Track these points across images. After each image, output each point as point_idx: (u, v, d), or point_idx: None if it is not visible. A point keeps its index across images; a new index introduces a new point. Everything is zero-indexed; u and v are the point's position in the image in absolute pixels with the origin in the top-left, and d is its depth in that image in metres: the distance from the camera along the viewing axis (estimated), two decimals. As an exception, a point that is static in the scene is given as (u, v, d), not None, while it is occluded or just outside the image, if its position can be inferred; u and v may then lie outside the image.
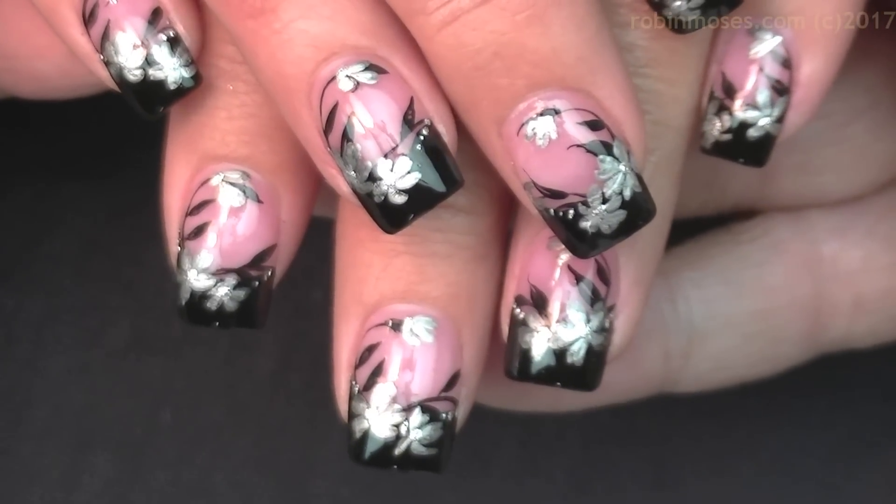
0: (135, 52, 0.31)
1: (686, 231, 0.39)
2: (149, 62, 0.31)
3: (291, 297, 0.41)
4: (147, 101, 0.32)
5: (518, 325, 0.32)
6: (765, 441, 0.42)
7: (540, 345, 0.32)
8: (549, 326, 0.32)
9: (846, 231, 0.38)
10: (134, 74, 0.32)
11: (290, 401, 0.42)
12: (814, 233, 0.38)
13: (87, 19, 0.32)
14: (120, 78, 0.32)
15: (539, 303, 0.32)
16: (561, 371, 0.32)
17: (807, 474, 0.42)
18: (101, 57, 0.32)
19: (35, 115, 0.39)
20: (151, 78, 0.31)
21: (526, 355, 0.32)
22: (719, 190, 0.39)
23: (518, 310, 0.32)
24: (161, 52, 0.31)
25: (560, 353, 0.32)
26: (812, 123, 0.36)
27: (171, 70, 0.31)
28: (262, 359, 0.42)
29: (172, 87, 0.31)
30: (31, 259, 0.43)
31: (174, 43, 0.32)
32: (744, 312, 0.38)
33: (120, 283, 0.42)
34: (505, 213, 0.33)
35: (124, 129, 0.42)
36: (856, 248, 0.38)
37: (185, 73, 0.32)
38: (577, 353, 0.32)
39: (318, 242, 0.34)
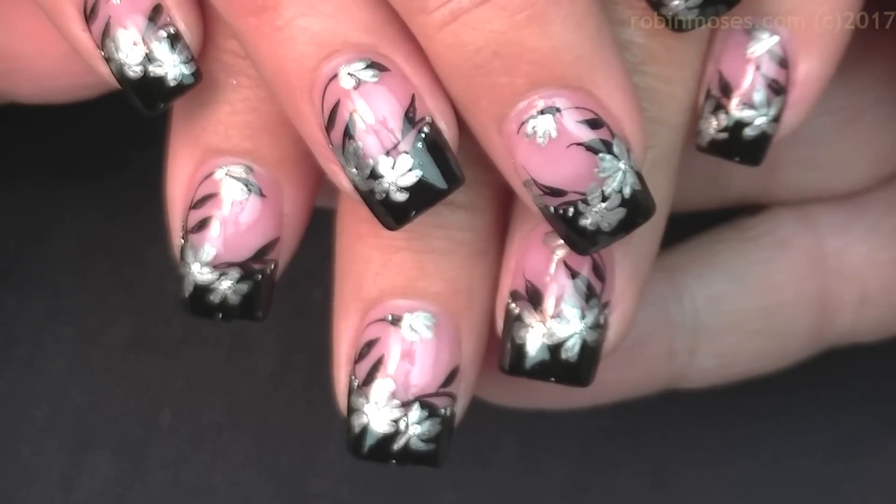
0: (135, 48, 0.32)
1: (692, 228, 0.39)
2: (149, 59, 0.32)
3: (292, 296, 0.41)
4: (147, 97, 0.32)
5: (513, 320, 0.32)
6: (765, 441, 0.42)
7: (534, 340, 0.32)
8: (543, 322, 0.32)
9: (850, 227, 0.39)
10: (134, 71, 0.32)
11: (290, 401, 0.42)
12: (818, 229, 0.39)
13: (89, 16, 0.32)
14: (120, 74, 0.32)
15: (534, 298, 0.32)
16: (555, 366, 0.32)
17: (807, 474, 0.42)
18: (102, 53, 0.32)
19: (34, 114, 0.39)
20: (152, 75, 0.32)
21: (520, 350, 0.32)
22: (723, 184, 0.39)
23: (513, 304, 0.32)
24: (161, 49, 0.32)
25: (554, 349, 0.32)
26: (816, 119, 0.36)
27: (171, 67, 0.32)
28: (262, 359, 0.42)
29: (172, 83, 0.32)
30: (31, 259, 0.43)
31: (174, 40, 0.32)
32: (750, 309, 0.38)
33: (120, 283, 0.42)
34: (504, 209, 0.33)
35: (124, 129, 0.42)
36: (860, 243, 0.39)
37: (186, 70, 0.32)
38: (571, 348, 0.32)
39: (318, 242, 0.34)
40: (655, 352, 0.38)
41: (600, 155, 0.30)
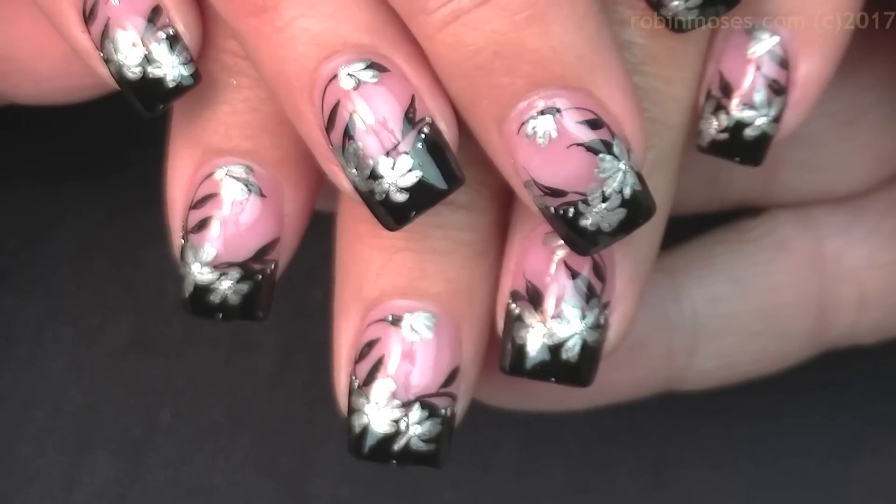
0: (134, 49, 0.32)
1: (691, 229, 0.39)
2: (148, 60, 0.32)
3: (291, 296, 0.41)
4: (146, 98, 0.32)
5: (513, 321, 0.32)
6: (765, 441, 0.42)
7: (535, 340, 0.32)
8: (544, 322, 0.32)
9: (850, 228, 0.39)
10: (133, 72, 0.32)
11: (290, 401, 0.42)
12: (818, 230, 0.39)
13: (88, 17, 0.32)
14: (119, 76, 0.32)
15: (534, 298, 0.32)
16: (555, 367, 0.32)
17: (807, 474, 0.42)
18: (101, 54, 0.32)
19: (34, 115, 0.39)
20: (150, 76, 0.32)
21: (520, 350, 0.32)
22: (723, 187, 0.39)
23: (513, 305, 0.32)
24: (160, 50, 0.32)
25: (555, 349, 0.32)
26: (816, 121, 0.36)
27: (170, 68, 0.32)
28: (262, 359, 0.42)
29: (171, 84, 0.32)
30: (31, 259, 0.43)
31: (173, 41, 0.32)
32: (749, 311, 0.38)
33: (120, 283, 0.42)
34: (504, 209, 0.33)
35: (124, 129, 0.42)
36: (860, 245, 0.38)
37: (184, 71, 0.32)
38: (571, 348, 0.32)
39: (318, 242, 0.34)
40: (654, 353, 0.38)
41: (600, 155, 0.30)
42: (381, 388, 0.32)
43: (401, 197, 0.30)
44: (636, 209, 0.31)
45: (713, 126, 0.34)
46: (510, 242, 0.33)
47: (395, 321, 0.32)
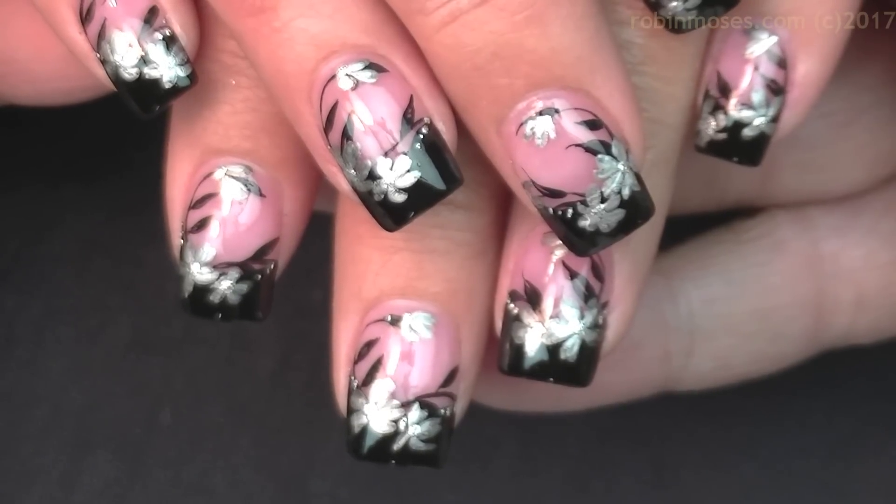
0: (130, 50, 0.31)
1: (688, 230, 0.39)
2: (144, 61, 0.32)
3: (291, 297, 0.41)
4: (142, 99, 0.32)
5: (511, 321, 0.32)
6: (765, 441, 0.42)
7: (533, 340, 0.32)
8: (542, 322, 0.32)
9: (847, 229, 0.39)
10: (129, 73, 0.32)
11: (290, 401, 0.42)
12: (815, 231, 0.39)
13: (84, 18, 0.32)
14: (116, 77, 0.32)
15: (533, 298, 0.32)
16: (554, 367, 0.32)
17: (807, 474, 0.42)
18: (98, 56, 0.32)
19: (34, 115, 0.39)
20: (147, 77, 0.32)
21: (519, 350, 0.32)
22: (720, 187, 0.39)
23: (512, 305, 0.32)
24: (157, 51, 0.32)
25: (553, 349, 0.32)
26: (814, 122, 0.36)
27: (166, 69, 0.32)
28: (262, 359, 0.42)
29: (167, 86, 0.32)
30: (31, 259, 0.43)
31: (170, 42, 0.32)
32: (745, 312, 0.38)
33: (120, 283, 0.43)
34: (503, 209, 0.33)
35: (124, 130, 0.42)
36: (857, 245, 0.38)
37: (181, 73, 0.32)
38: (570, 349, 0.32)
39: (318, 242, 0.34)
40: (650, 354, 0.38)
41: (599, 156, 0.30)
42: (381, 389, 0.32)
43: (399, 197, 0.30)
44: (635, 210, 0.31)
45: (711, 126, 0.34)
46: (509, 242, 0.33)
47: (395, 321, 0.32)
